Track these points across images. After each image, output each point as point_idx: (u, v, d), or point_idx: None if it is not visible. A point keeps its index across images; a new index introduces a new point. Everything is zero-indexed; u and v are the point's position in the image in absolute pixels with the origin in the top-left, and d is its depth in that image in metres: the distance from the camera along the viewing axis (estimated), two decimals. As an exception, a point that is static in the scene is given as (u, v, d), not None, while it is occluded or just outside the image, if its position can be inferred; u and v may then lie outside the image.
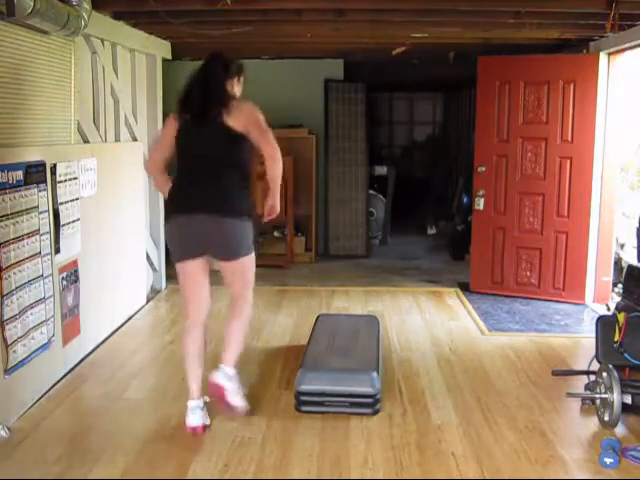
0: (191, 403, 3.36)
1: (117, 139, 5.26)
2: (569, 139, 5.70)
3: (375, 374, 3.60)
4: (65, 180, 4.01)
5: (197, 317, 3.43)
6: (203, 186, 3.37)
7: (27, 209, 3.53)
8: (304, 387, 3.56)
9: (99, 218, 4.62)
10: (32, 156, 3.63)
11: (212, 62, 3.59)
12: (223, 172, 3.42)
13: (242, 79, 3.67)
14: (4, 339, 3.33)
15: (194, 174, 3.39)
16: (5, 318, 3.33)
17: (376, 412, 3.53)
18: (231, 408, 3.39)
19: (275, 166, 3.52)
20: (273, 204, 3.70)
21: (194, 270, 3.38)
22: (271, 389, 3.89)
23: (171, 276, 6.49)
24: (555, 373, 4.00)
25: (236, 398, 3.40)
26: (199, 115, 3.40)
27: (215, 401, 3.39)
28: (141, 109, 5.79)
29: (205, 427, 3.35)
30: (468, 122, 9.19)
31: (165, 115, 6.22)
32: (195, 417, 3.33)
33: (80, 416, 3.65)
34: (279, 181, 3.63)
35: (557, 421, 3.51)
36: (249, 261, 3.47)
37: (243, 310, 3.50)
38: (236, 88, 3.61)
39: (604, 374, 3.39)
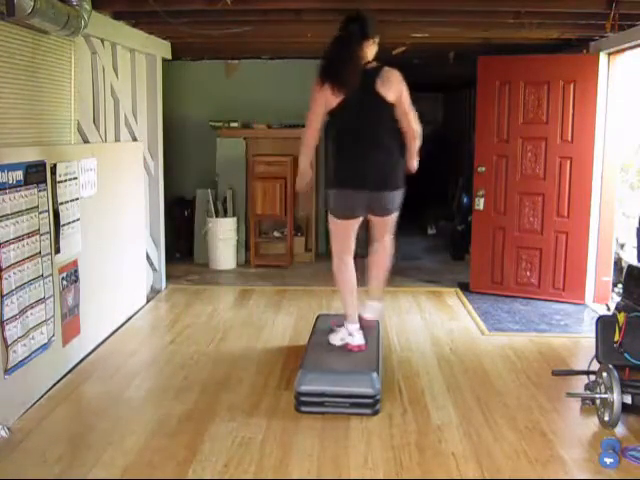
0: (353, 326, 3.97)
1: (117, 139, 5.26)
2: (569, 139, 5.70)
3: (375, 374, 3.60)
4: (65, 180, 4.01)
5: (351, 253, 4.00)
6: (368, 161, 3.69)
7: (27, 209, 3.53)
8: (304, 387, 3.56)
9: (99, 218, 4.62)
10: (32, 156, 3.63)
11: (352, 26, 3.66)
12: (384, 144, 3.69)
13: (377, 38, 3.75)
14: (4, 339, 3.33)
15: (356, 147, 3.67)
16: (5, 318, 3.33)
17: (376, 412, 3.53)
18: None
19: (416, 142, 3.82)
20: (412, 164, 3.94)
21: (353, 225, 3.91)
22: (271, 389, 3.89)
23: (171, 276, 6.52)
24: (555, 373, 4.00)
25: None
26: (350, 85, 3.55)
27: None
28: (141, 109, 5.79)
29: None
30: (468, 122, 9.18)
31: (165, 115, 6.30)
32: (359, 337, 3.95)
33: (80, 416, 3.65)
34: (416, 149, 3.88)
35: (557, 421, 3.51)
36: (396, 214, 4.00)
37: (388, 246, 4.13)
38: (373, 49, 3.72)
39: (604, 374, 3.39)
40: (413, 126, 3.73)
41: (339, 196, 3.85)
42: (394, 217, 4.02)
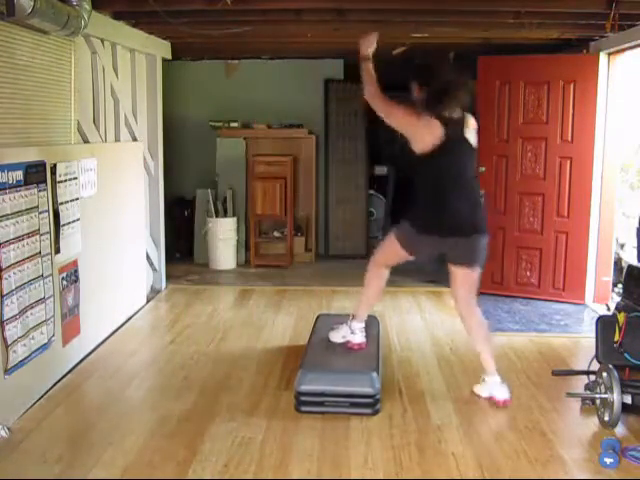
0: (358, 325, 4.01)
1: (117, 139, 5.26)
2: (569, 139, 5.70)
3: (375, 374, 3.60)
4: (65, 180, 4.01)
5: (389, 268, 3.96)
6: (466, 207, 3.62)
7: (27, 209, 3.53)
8: (304, 387, 3.56)
9: (99, 218, 4.62)
10: (32, 156, 3.63)
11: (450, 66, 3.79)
12: (472, 189, 3.73)
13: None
14: (4, 339, 3.33)
15: (457, 191, 3.59)
16: (5, 318, 3.33)
17: (376, 412, 3.53)
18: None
19: None
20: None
21: (405, 255, 3.80)
22: (271, 389, 3.89)
23: (171, 276, 6.52)
24: (555, 373, 4.00)
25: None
26: (457, 127, 3.55)
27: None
28: (141, 109, 5.79)
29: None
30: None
31: (165, 115, 6.29)
32: (360, 335, 4.00)
33: (80, 416, 3.65)
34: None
35: (557, 421, 3.51)
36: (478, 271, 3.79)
37: (479, 314, 3.90)
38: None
39: (604, 374, 3.39)
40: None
41: (421, 238, 3.68)
42: (477, 274, 3.82)
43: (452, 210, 3.57)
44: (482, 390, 3.79)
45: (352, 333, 4.01)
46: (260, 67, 7.78)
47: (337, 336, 4.08)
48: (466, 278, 3.78)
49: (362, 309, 4.07)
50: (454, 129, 3.51)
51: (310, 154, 7.69)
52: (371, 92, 3.64)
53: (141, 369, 4.28)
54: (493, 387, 3.72)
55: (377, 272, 3.97)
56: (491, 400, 3.70)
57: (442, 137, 3.46)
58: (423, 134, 3.51)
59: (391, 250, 3.86)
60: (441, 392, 3.87)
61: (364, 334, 4.04)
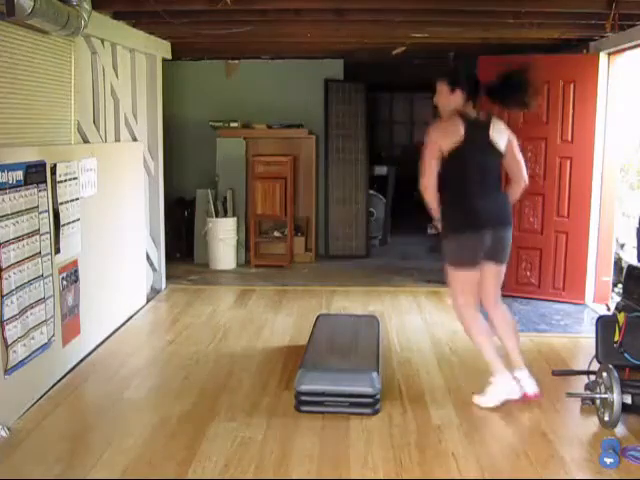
0: (522, 373, 3.68)
1: (117, 139, 5.26)
2: (569, 139, 5.70)
3: (375, 374, 3.60)
4: (65, 180, 4.01)
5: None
6: (491, 201, 3.66)
7: (27, 209, 3.53)
8: (304, 387, 3.56)
9: (99, 218, 4.62)
10: (32, 156, 3.63)
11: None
12: (498, 186, 3.76)
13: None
14: (4, 339, 3.33)
15: (481, 188, 3.62)
16: (5, 318, 3.33)
17: (376, 412, 3.53)
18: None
19: (520, 191, 3.84)
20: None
21: (477, 275, 3.68)
22: (271, 389, 3.89)
23: (171, 276, 6.52)
24: (555, 373, 4.00)
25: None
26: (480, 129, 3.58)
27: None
28: (141, 109, 5.79)
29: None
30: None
31: (165, 115, 6.30)
32: (531, 384, 3.67)
33: (80, 416, 3.65)
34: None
35: (557, 421, 3.51)
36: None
37: (505, 309, 3.84)
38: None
39: (604, 374, 3.39)
40: (524, 174, 3.75)
41: (466, 241, 3.64)
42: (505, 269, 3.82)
43: (478, 206, 3.61)
44: (490, 396, 3.63)
45: (520, 385, 3.67)
46: (260, 67, 7.78)
47: (493, 399, 3.65)
48: (495, 274, 3.76)
49: (491, 359, 3.72)
50: (476, 131, 3.56)
51: (310, 154, 7.70)
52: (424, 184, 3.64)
53: (141, 369, 4.28)
54: (524, 381, 3.67)
55: (472, 315, 3.72)
56: (523, 396, 3.64)
57: (463, 138, 3.53)
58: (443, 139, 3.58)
59: (470, 285, 3.67)
60: (441, 392, 3.87)
61: (528, 377, 3.71)
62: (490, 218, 3.64)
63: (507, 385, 3.63)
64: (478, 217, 3.61)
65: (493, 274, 3.75)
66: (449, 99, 3.66)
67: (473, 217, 3.61)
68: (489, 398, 3.63)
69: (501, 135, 3.64)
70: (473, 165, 3.59)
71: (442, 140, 3.54)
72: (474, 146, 3.54)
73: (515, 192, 3.81)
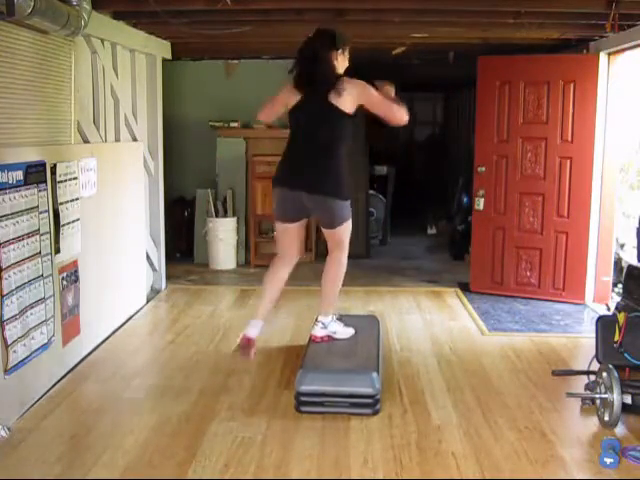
0: (253, 321, 3.97)
1: (117, 139, 5.26)
2: (569, 139, 5.70)
3: (375, 374, 3.60)
4: (65, 180, 4.01)
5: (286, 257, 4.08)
6: (303, 165, 3.78)
7: (27, 209, 3.53)
8: (304, 387, 3.56)
9: (99, 218, 4.62)
10: (32, 156, 3.63)
11: (318, 38, 3.79)
12: (322, 152, 3.76)
13: (347, 51, 3.90)
14: (4, 339, 3.33)
15: (298, 150, 3.81)
16: (5, 318, 3.33)
17: (376, 412, 3.53)
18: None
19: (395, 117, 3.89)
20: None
21: (290, 229, 3.98)
22: (271, 389, 3.89)
23: (171, 276, 6.52)
24: (555, 373, 4.00)
25: (339, 330, 4.17)
26: (308, 93, 3.74)
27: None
28: (141, 109, 5.79)
29: (254, 342, 3.89)
30: (468, 122, 9.18)
31: (165, 115, 6.29)
32: (254, 330, 3.93)
33: (80, 416, 3.64)
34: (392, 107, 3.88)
35: (557, 421, 3.51)
36: (343, 229, 3.97)
37: (334, 261, 4.09)
38: (341, 62, 3.84)
39: (604, 374, 3.39)
40: (394, 114, 3.84)
41: (276, 195, 3.97)
42: (339, 232, 3.98)
43: (291, 165, 3.86)
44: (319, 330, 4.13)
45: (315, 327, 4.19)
46: (260, 67, 7.77)
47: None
48: (327, 234, 4.02)
49: (259, 308, 4.13)
50: (304, 98, 3.78)
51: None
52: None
53: (141, 369, 4.28)
54: (317, 326, 4.12)
55: (271, 263, 4.15)
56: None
57: (292, 102, 3.82)
58: (283, 95, 3.92)
59: (281, 235, 4.08)
60: (441, 392, 3.86)
61: (259, 331, 4.06)
62: (298, 180, 3.80)
63: (254, 325, 3.99)
64: (285, 176, 3.87)
65: (327, 235, 4.03)
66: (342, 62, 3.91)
67: (281, 174, 3.90)
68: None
69: (347, 98, 3.70)
70: (296, 127, 3.86)
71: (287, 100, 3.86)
72: (304, 109, 3.77)
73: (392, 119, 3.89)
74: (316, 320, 4.20)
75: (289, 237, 4.03)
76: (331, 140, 3.77)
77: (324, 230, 4.02)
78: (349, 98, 3.70)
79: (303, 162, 3.79)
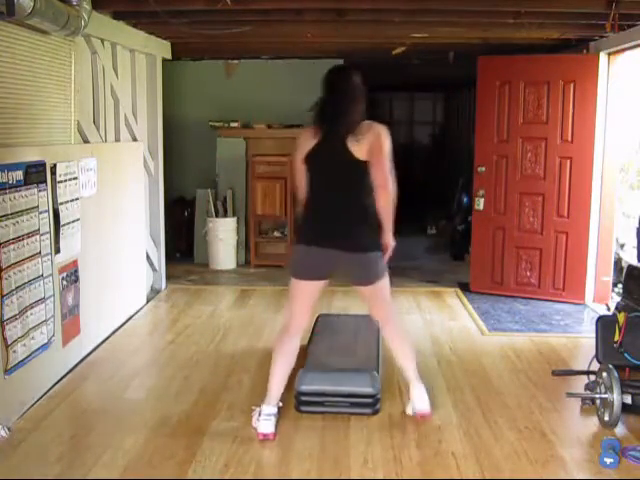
0: (267, 408, 3.33)
1: (117, 139, 5.26)
2: (569, 139, 5.70)
3: (375, 374, 3.60)
4: (65, 180, 4.01)
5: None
6: (333, 219, 3.32)
7: (27, 209, 3.53)
8: (304, 387, 3.56)
9: (99, 218, 4.62)
10: (32, 156, 3.63)
11: (353, 74, 3.40)
12: (350, 204, 3.33)
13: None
14: (4, 339, 3.33)
15: (323, 202, 3.34)
16: (5, 318, 3.33)
17: (376, 412, 3.53)
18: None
19: (384, 200, 3.32)
20: (387, 242, 3.44)
21: (310, 288, 3.40)
22: (271, 389, 3.89)
23: (171, 276, 6.52)
24: (555, 373, 4.00)
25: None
26: (326, 135, 3.29)
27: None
28: (141, 109, 5.79)
29: (273, 435, 3.28)
30: (468, 122, 9.18)
31: (165, 115, 6.29)
32: (269, 424, 3.28)
33: (80, 416, 3.65)
34: (389, 213, 3.36)
35: (557, 421, 3.51)
36: (384, 282, 3.46)
37: (393, 328, 3.58)
38: (360, 106, 3.35)
39: (604, 374, 3.39)
40: (388, 180, 3.29)
41: (301, 251, 3.40)
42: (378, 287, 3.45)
43: (319, 221, 3.35)
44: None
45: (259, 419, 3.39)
46: (260, 67, 7.78)
47: (256, 422, 3.38)
48: (368, 295, 3.49)
49: (272, 389, 3.45)
50: (323, 143, 3.28)
51: (310, 154, 7.68)
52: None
53: (141, 369, 4.28)
54: (417, 399, 3.48)
55: (279, 332, 3.56)
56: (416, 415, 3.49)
57: (311, 146, 3.29)
58: (304, 143, 3.35)
59: (298, 297, 3.44)
60: (441, 392, 3.86)
61: (273, 422, 3.36)
62: (326, 236, 3.31)
63: (267, 418, 3.32)
64: (312, 232, 3.37)
65: (367, 295, 3.49)
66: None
67: (308, 231, 3.40)
68: (257, 421, 3.35)
69: (364, 144, 3.25)
70: (318, 175, 3.34)
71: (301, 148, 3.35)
72: (323, 154, 3.30)
73: (378, 200, 3.31)
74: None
75: (307, 298, 3.41)
76: (356, 189, 3.32)
77: (362, 289, 3.45)
78: (366, 145, 3.25)
79: (332, 216, 3.32)
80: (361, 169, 3.27)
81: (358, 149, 3.24)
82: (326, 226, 3.34)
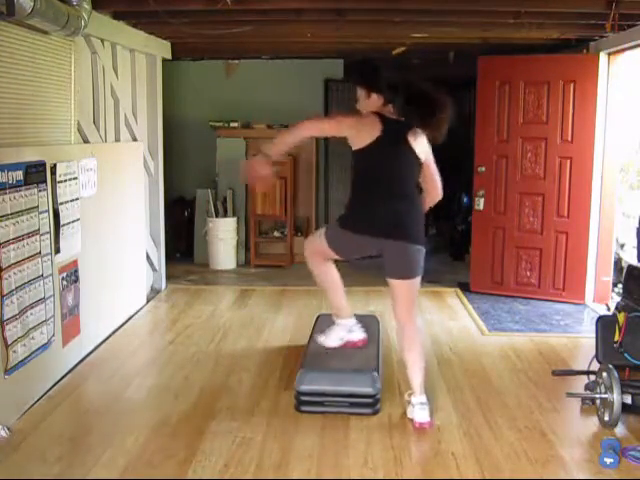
0: (343, 321, 3.91)
1: (117, 139, 5.26)
2: (569, 139, 5.70)
3: (375, 374, 3.60)
4: (65, 180, 4.01)
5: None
6: (391, 210, 3.42)
7: (27, 209, 3.53)
8: (304, 387, 3.56)
9: (99, 218, 4.62)
10: (32, 156, 3.63)
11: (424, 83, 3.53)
12: (405, 195, 3.49)
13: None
14: (4, 339, 3.33)
15: (378, 193, 3.43)
16: (5, 318, 3.33)
17: (376, 412, 3.53)
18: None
19: (430, 204, 3.74)
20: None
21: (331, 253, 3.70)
22: (271, 389, 3.89)
23: (171, 276, 6.52)
24: (555, 373, 4.00)
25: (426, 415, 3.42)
26: (394, 131, 3.38)
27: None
28: (141, 109, 5.79)
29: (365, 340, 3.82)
30: (468, 122, 9.17)
31: (165, 115, 6.29)
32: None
33: (80, 416, 3.65)
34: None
35: (557, 421, 3.51)
36: (419, 279, 3.54)
37: (414, 332, 3.58)
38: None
39: (604, 374, 3.39)
40: (439, 190, 3.72)
41: (348, 237, 3.54)
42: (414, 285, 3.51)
43: (381, 211, 3.42)
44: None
45: (350, 331, 3.95)
46: (260, 67, 7.78)
47: (334, 340, 3.95)
48: (402, 290, 3.50)
49: (339, 304, 3.88)
50: (394, 131, 3.38)
51: (310, 154, 7.68)
52: (302, 128, 3.72)
53: (141, 369, 4.28)
54: (417, 409, 3.40)
55: (317, 262, 3.86)
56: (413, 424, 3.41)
57: (379, 135, 3.35)
58: (368, 128, 3.38)
59: (321, 241, 3.75)
60: (441, 392, 3.86)
61: (361, 328, 3.96)
62: (384, 228, 3.41)
63: (347, 327, 3.85)
64: (364, 221, 3.46)
65: (400, 291, 3.50)
66: (367, 103, 3.51)
67: (359, 219, 3.49)
68: (332, 338, 3.85)
69: (420, 144, 3.45)
70: (380, 165, 3.42)
71: (357, 134, 3.38)
72: (388, 146, 3.38)
73: (433, 196, 3.73)
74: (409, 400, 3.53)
75: (328, 254, 3.72)
76: (412, 184, 3.52)
77: (398, 283, 3.47)
78: (420, 144, 3.45)
79: (389, 206, 3.39)
80: (418, 166, 3.51)
81: (416, 145, 3.44)
82: (380, 216, 3.42)
